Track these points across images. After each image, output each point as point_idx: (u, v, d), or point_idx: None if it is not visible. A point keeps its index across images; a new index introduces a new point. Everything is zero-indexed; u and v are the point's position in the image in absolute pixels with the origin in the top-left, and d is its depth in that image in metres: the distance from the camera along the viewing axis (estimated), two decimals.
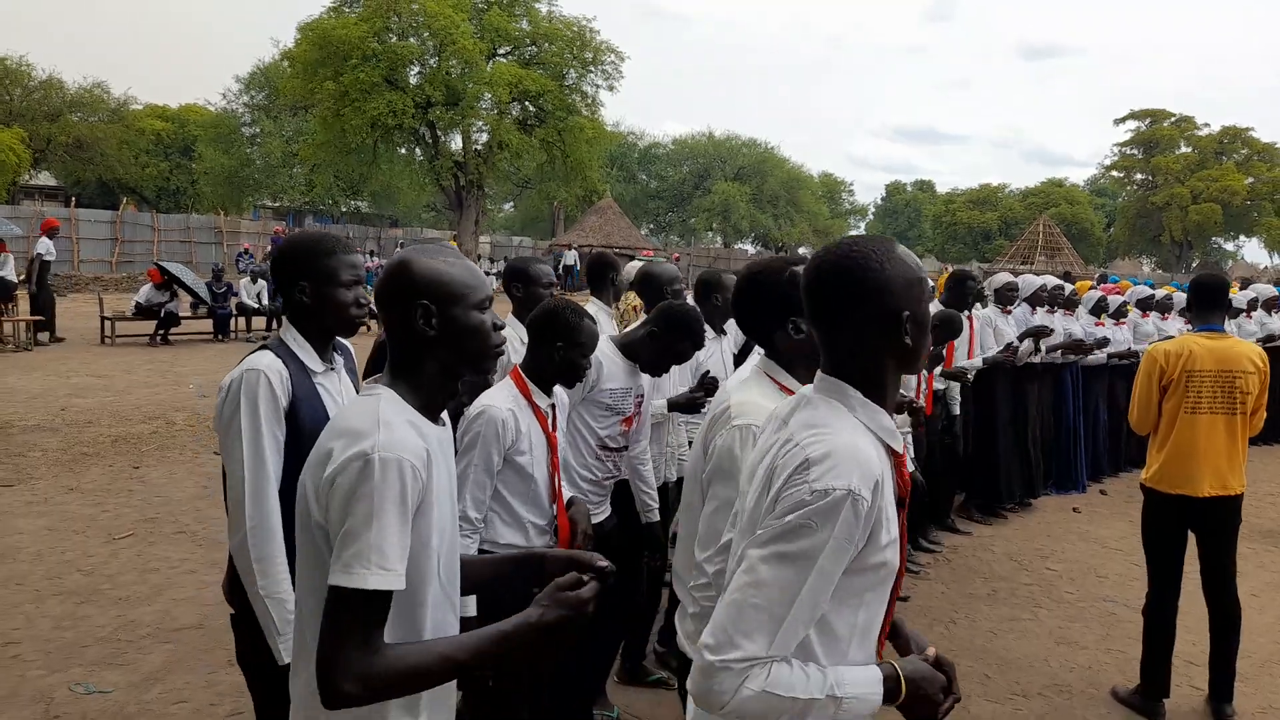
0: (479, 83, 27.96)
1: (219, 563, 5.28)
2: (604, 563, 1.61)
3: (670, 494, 4.07)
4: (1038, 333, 6.73)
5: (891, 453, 1.48)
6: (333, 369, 2.29)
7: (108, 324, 14.14)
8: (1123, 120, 51.03)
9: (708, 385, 3.84)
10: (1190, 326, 8.87)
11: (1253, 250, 57.27)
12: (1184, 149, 48.99)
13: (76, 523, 5.89)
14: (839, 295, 1.47)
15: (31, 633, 4.31)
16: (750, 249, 49.22)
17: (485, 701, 2.61)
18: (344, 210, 42.85)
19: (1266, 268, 49.89)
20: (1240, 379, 3.91)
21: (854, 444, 1.40)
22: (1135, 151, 50.74)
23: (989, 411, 6.75)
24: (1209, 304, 4.07)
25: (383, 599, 1.39)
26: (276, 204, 42.87)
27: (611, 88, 31.17)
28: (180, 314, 14.64)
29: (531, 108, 30.02)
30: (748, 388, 2.03)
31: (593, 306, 4.23)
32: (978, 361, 6.48)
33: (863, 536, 1.38)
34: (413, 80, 28.63)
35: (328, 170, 31.57)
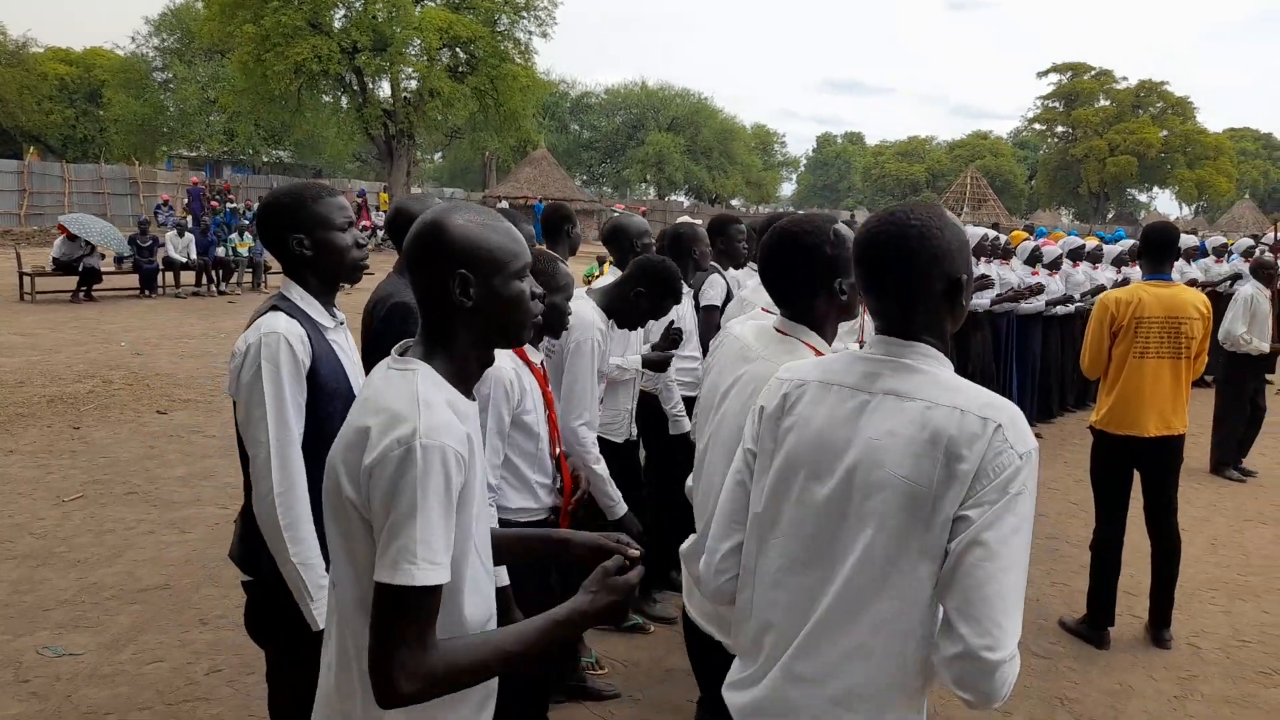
0: (407, 27, 27.07)
1: (177, 524, 5.24)
2: (635, 549, 1.58)
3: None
4: (980, 283, 6.98)
5: None
6: (341, 323, 2.25)
7: (26, 280, 13.48)
8: (1045, 73, 52.26)
9: (673, 338, 3.85)
10: (1120, 275, 9.28)
11: (1164, 202, 59.57)
12: (1103, 102, 50.42)
13: (21, 485, 5.70)
14: (902, 267, 1.47)
15: None
16: (684, 201, 49.15)
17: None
18: (265, 160, 41.29)
19: (1178, 218, 51.99)
20: (1185, 325, 4.10)
21: (1010, 403, 1.43)
22: (1057, 104, 52.05)
23: None
24: (1159, 254, 4.24)
25: (432, 594, 1.34)
26: (194, 153, 41.07)
27: (545, 34, 30.58)
28: (102, 270, 14.03)
29: (463, 54, 29.24)
30: (795, 356, 1.91)
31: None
32: None
33: None
34: (338, 24, 27.59)
35: (248, 118, 30.32)
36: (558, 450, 2.86)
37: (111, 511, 5.35)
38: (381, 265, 3.16)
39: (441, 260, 1.44)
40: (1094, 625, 4.36)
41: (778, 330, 2.05)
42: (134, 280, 14.72)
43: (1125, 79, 50.76)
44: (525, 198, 33.38)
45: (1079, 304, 8.56)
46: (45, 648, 3.77)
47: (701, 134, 48.82)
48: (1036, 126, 54.68)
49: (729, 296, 4.81)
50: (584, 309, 3.19)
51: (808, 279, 1.96)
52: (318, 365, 2.09)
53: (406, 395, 1.38)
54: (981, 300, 6.95)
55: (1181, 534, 4.36)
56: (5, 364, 9.10)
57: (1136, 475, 4.34)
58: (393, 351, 1.51)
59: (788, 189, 67.30)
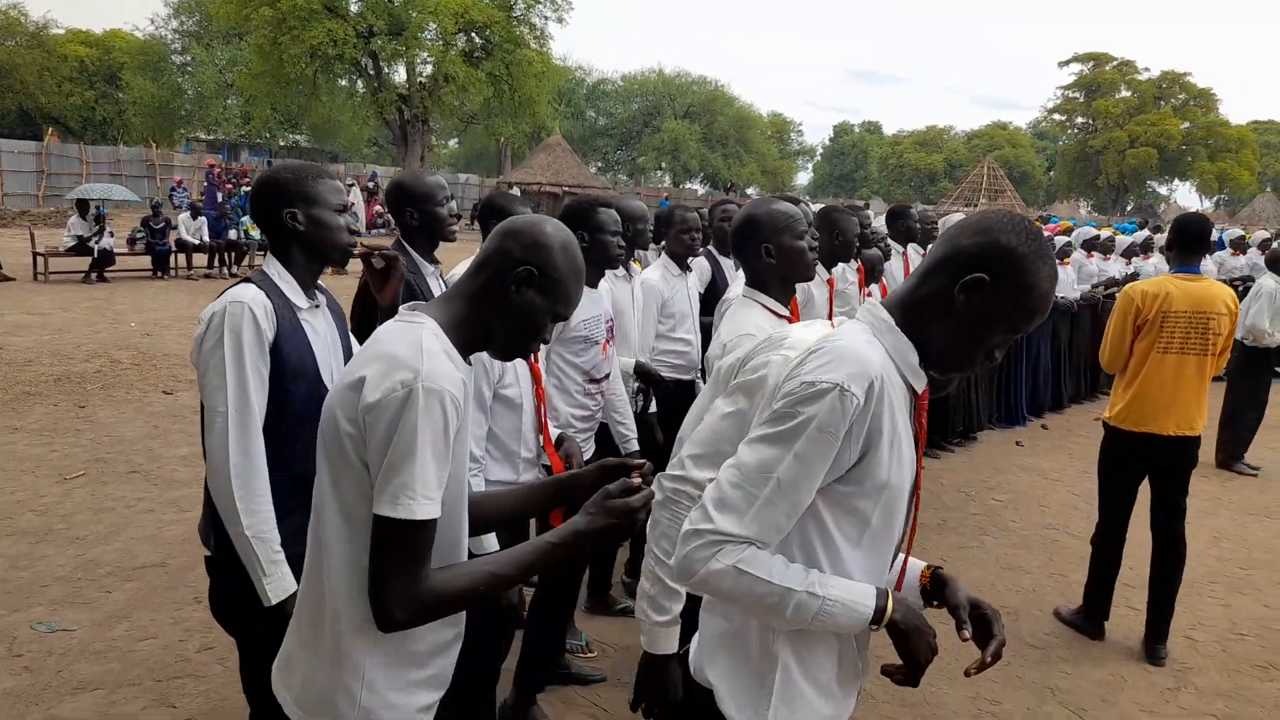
0: (423, 11, 27.04)
1: (177, 502, 5.28)
2: (641, 464, 1.61)
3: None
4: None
5: (912, 392, 1.49)
6: (317, 306, 2.22)
7: (40, 260, 13.59)
8: (1066, 63, 51.65)
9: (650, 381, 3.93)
10: (1130, 267, 9.18)
11: (1184, 194, 58.84)
12: (1124, 93, 49.82)
13: (25, 463, 5.75)
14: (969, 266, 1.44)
15: None
16: (699, 189, 48.99)
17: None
18: (282, 144, 41.40)
19: (1197, 211, 51.33)
20: (1214, 320, 3.93)
21: (855, 346, 1.40)
22: (1077, 95, 51.47)
23: None
24: (1190, 246, 4.05)
25: (427, 528, 1.41)
26: (210, 137, 41.26)
27: (560, 19, 30.51)
28: (115, 251, 14.13)
29: (478, 39, 29.19)
30: (752, 313, 2.06)
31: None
32: None
33: (857, 439, 1.38)
34: (353, 8, 27.60)
35: (264, 102, 30.31)
36: (544, 425, 2.87)
37: (112, 489, 5.39)
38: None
39: (513, 253, 1.55)
40: (1089, 618, 4.32)
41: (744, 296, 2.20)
42: (146, 262, 14.81)
43: (1147, 70, 50.26)
44: (539, 184, 33.37)
45: (1088, 297, 8.47)
46: (39, 623, 3.81)
47: (718, 122, 48.58)
48: (1056, 117, 54.12)
49: (716, 282, 4.78)
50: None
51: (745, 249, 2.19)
52: (280, 341, 2.06)
53: (410, 342, 1.45)
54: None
55: (1185, 529, 4.28)
56: (15, 343, 9.18)
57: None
58: (401, 309, 1.56)
59: (804, 178, 67.00)
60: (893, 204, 9.54)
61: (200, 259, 15.42)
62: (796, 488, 1.39)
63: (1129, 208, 50.01)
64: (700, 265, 4.69)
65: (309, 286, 2.21)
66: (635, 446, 3.59)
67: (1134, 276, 9.09)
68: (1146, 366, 4.00)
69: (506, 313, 1.56)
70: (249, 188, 25.69)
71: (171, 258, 15.02)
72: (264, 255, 15.03)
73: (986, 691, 3.75)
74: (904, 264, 6.27)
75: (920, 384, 1.49)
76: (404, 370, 1.41)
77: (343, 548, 1.47)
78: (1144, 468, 4.16)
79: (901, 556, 1.66)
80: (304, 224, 2.14)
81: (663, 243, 4.68)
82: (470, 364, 1.60)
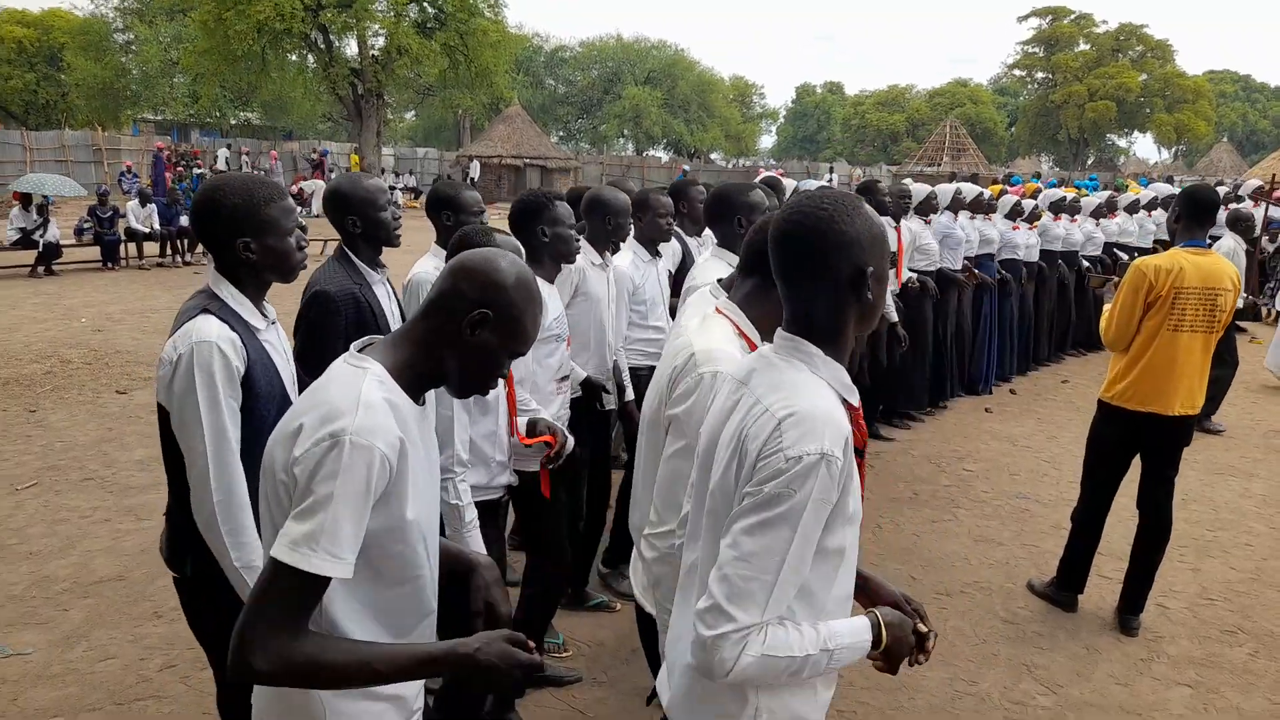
0: None
1: (134, 510, 5.12)
2: (531, 647, 1.54)
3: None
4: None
5: (849, 406, 1.52)
6: (273, 322, 2.20)
7: None
8: (1025, 18, 51.64)
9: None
10: (1097, 229, 9.16)
11: (1144, 146, 59.38)
12: (1083, 46, 49.98)
13: None
14: (808, 252, 1.46)
15: None
16: (663, 156, 48.62)
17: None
18: (233, 122, 40.38)
19: (1156, 163, 51.99)
20: (1221, 296, 3.83)
21: (821, 404, 1.42)
22: (1037, 50, 51.55)
23: (917, 320, 6.88)
24: (1199, 218, 3.91)
25: (320, 584, 1.37)
26: (159, 117, 40.11)
27: None
28: (62, 243, 13.69)
29: (431, 9, 28.49)
30: (708, 332, 1.97)
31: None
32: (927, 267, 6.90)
33: (838, 493, 1.41)
34: None
35: (212, 80, 29.41)
36: (515, 427, 2.83)
37: (66, 499, 5.22)
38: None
39: (467, 294, 1.50)
40: (1063, 588, 4.34)
41: (715, 310, 2.09)
42: (95, 253, 14.38)
43: (1105, 22, 50.34)
44: (499, 156, 32.91)
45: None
46: None
47: (679, 87, 48.08)
48: (1017, 73, 54.23)
49: (685, 263, 4.70)
50: None
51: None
52: (252, 370, 2.06)
53: (350, 393, 1.42)
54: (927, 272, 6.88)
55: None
56: None
57: None
58: (352, 346, 1.54)
59: (767, 141, 66.70)
60: (858, 165, 9.46)
61: (151, 248, 14.99)
62: (803, 560, 1.40)
63: (1089, 161, 50.44)
64: (670, 247, 4.59)
65: (260, 302, 2.17)
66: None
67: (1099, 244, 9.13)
68: (1156, 345, 3.85)
69: (461, 354, 1.53)
70: (200, 170, 25.14)
71: (121, 247, 14.59)
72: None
73: (964, 672, 3.75)
74: (898, 240, 6.20)
75: (854, 398, 1.54)
76: (336, 421, 1.38)
77: None
78: (1139, 446, 4.07)
79: None
80: (256, 254, 2.08)
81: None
82: (423, 403, 1.57)
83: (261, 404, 2.08)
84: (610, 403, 3.83)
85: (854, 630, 1.48)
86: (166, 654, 3.66)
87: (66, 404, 7.06)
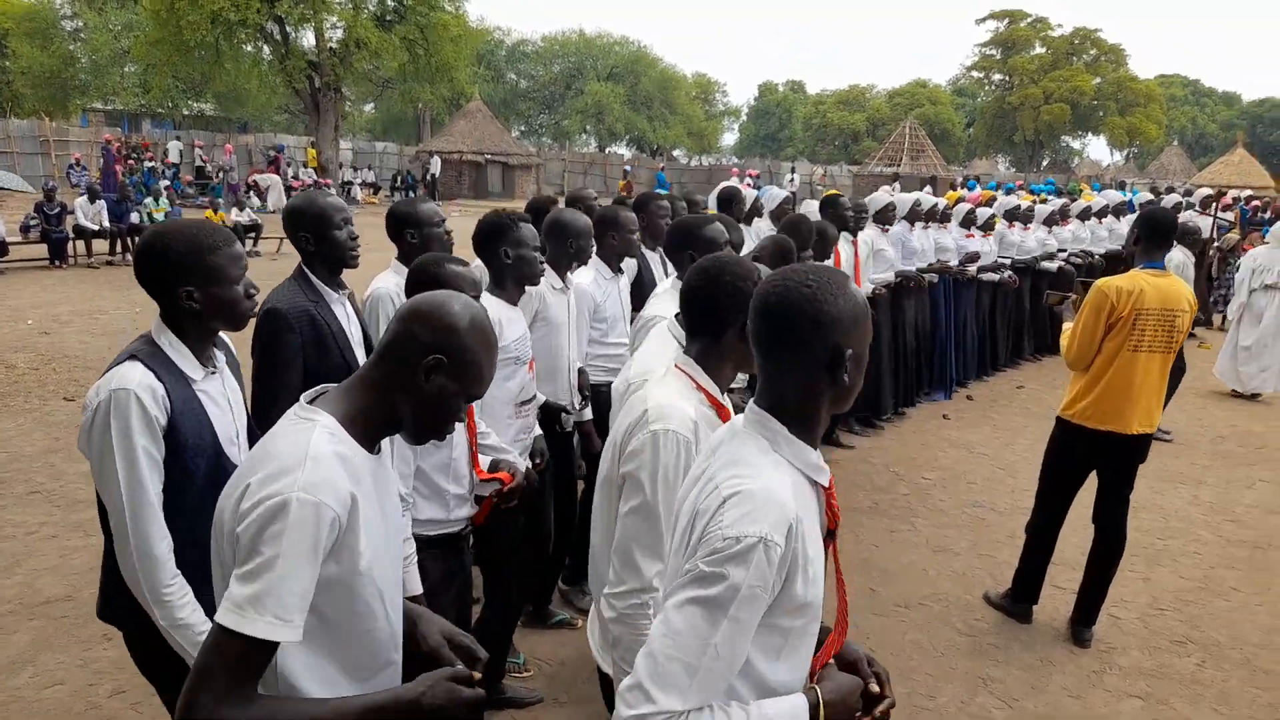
0: None
1: (82, 525, 4.99)
2: (476, 675, 1.54)
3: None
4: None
5: (818, 486, 1.47)
6: (214, 372, 2.11)
7: None
8: (983, 20, 52.37)
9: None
10: (1050, 237, 9.30)
11: (1096, 148, 60.57)
12: (1039, 50, 50.82)
13: None
14: (788, 329, 1.41)
15: None
16: (626, 153, 48.52)
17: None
18: (186, 113, 39.46)
19: (1109, 165, 53.03)
20: (1178, 318, 3.89)
21: (771, 486, 1.37)
22: (994, 52, 52.31)
23: (878, 327, 6.95)
24: (1157, 240, 3.96)
25: (267, 648, 1.34)
26: (108, 107, 39.05)
27: None
28: (7, 240, 13.28)
29: (390, 2, 28.12)
30: (665, 387, 1.94)
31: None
32: (887, 276, 6.94)
33: (778, 582, 1.36)
34: None
35: (164, 71, 28.69)
36: (475, 460, 2.77)
37: (11, 514, 5.07)
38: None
39: (421, 339, 1.48)
40: (1018, 601, 4.41)
41: (674, 364, 2.02)
42: (42, 250, 13.97)
43: (1060, 26, 51.23)
44: (460, 152, 32.60)
45: (1004, 270, 8.60)
46: None
47: (641, 83, 47.99)
48: (975, 74, 54.97)
49: (642, 276, 4.69)
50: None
51: (723, 313, 1.96)
52: (177, 421, 1.97)
53: (297, 448, 1.39)
54: (883, 276, 6.97)
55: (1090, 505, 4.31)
56: None
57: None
58: (303, 397, 1.51)
59: (729, 139, 66.91)
60: (819, 164, 9.51)
61: (101, 245, 14.61)
62: (734, 647, 1.34)
63: (1044, 163, 51.33)
64: (627, 262, 4.57)
65: (204, 352, 2.08)
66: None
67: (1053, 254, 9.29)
68: (1115, 365, 3.91)
69: (417, 401, 1.50)
70: (150, 164, 24.53)
71: (69, 245, 14.20)
72: None
73: (922, 686, 3.79)
74: (835, 256, 6.23)
75: (825, 478, 1.48)
76: (282, 478, 1.36)
77: None
78: (1096, 463, 4.14)
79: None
80: (200, 303, 2.01)
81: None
82: (378, 451, 1.54)
83: (188, 456, 2.00)
84: (570, 424, 3.81)
85: (790, 712, 1.40)
86: (116, 679, 3.57)
87: (11, 412, 6.85)
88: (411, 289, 2.60)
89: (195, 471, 1.99)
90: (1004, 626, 4.34)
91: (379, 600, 1.52)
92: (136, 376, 1.93)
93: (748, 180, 32.04)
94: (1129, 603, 4.61)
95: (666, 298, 2.85)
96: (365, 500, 1.45)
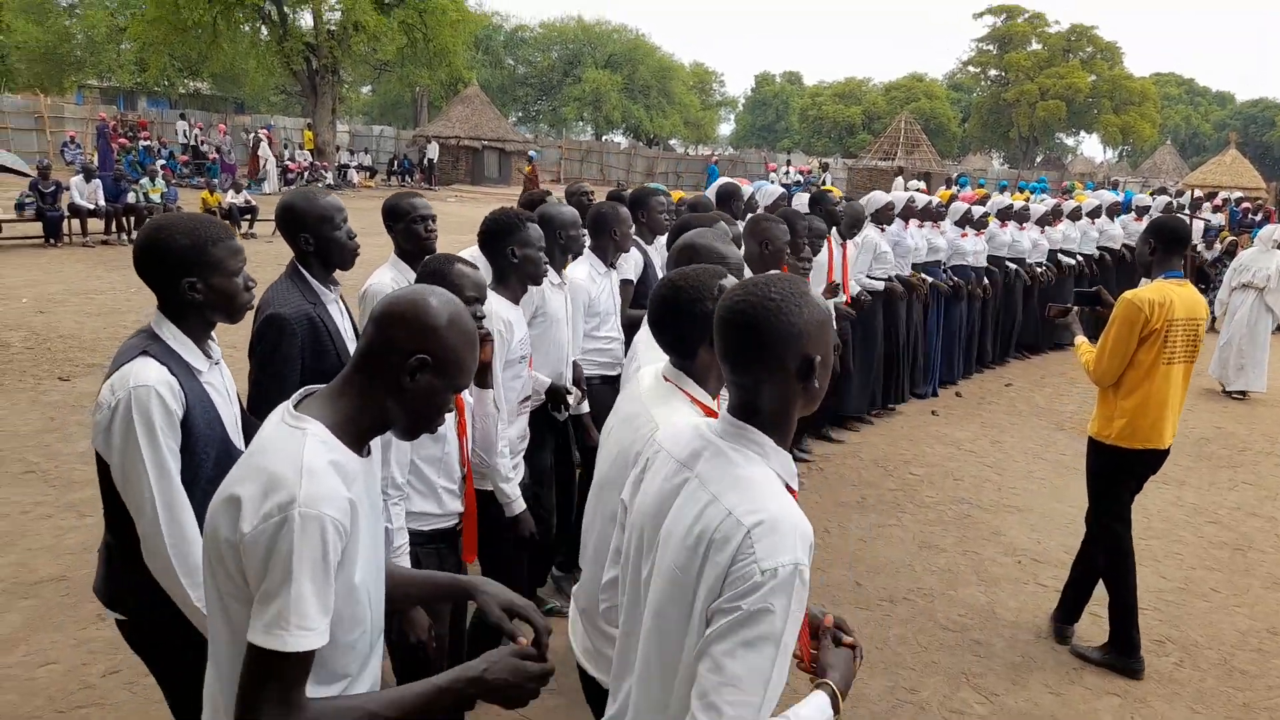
0: None
1: (77, 506, 5.02)
2: (535, 651, 1.54)
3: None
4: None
5: (790, 491, 1.51)
6: (215, 363, 2.17)
7: None
8: (981, 15, 52.35)
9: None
10: (1043, 237, 9.35)
11: (1090, 146, 60.63)
12: (1035, 46, 50.84)
13: None
14: (756, 342, 1.43)
15: None
16: (622, 141, 48.40)
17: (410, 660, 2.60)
18: (182, 92, 39.22)
19: (1102, 162, 53.19)
20: (1199, 325, 3.83)
21: (785, 507, 1.40)
22: (990, 47, 52.32)
23: (868, 326, 7.00)
24: (1173, 248, 3.88)
25: (304, 658, 1.38)
26: (104, 84, 38.77)
27: None
28: (2, 218, 13.23)
29: None
30: (670, 406, 1.92)
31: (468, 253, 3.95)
32: (876, 285, 6.96)
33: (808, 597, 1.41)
34: None
35: (161, 49, 28.50)
36: (465, 457, 2.80)
37: (6, 493, 5.10)
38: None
39: (401, 342, 1.48)
40: (1123, 652, 4.05)
41: (668, 381, 2.02)
42: (37, 229, 13.92)
43: (1057, 23, 51.27)
44: (457, 137, 32.49)
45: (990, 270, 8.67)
46: None
47: (639, 72, 47.86)
48: (971, 70, 55.00)
49: (647, 270, 4.74)
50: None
51: (693, 332, 1.95)
52: (191, 413, 2.03)
53: (291, 460, 1.39)
54: (872, 283, 7.01)
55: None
56: None
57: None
58: (290, 401, 1.51)
59: (726, 129, 66.79)
60: (815, 156, 9.55)
61: (96, 224, 14.56)
62: (783, 672, 1.37)
63: (1039, 160, 51.41)
64: (631, 256, 4.62)
65: (204, 343, 2.15)
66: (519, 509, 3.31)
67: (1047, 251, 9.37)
68: (1152, 380, 3.78)
69: (405, 401, 1.52)
70: (147, 143, 24.37)
71: (65, 224, 14.15)
72: None
73: (905, 680, 3.86)
74: (829, 254, 6.27)
75: (795, 484, 1.53)
76: (281, 493, 1.36)
77: (234, 666, 1.43)
78: (1138, 481, 4.06)
79: None
80: (203, 294, 2.06)
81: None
82: (369, 453, 1.56)
83: (200, 447, 2.06)
84: (573, 405, 3.86)
85: (818, 709, 1.46)
86: (111, 659, 3.61)
87: (6, 391, 6.86)
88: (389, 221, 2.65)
89: (205, 461, 2.04)
90: (986, 622, 4.41)
91: (367, 605, 1.54)
92: (154, 373, 1.98)
93: (786, 173, 31.28)
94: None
95: None
96: (361, 507, 1.48)
